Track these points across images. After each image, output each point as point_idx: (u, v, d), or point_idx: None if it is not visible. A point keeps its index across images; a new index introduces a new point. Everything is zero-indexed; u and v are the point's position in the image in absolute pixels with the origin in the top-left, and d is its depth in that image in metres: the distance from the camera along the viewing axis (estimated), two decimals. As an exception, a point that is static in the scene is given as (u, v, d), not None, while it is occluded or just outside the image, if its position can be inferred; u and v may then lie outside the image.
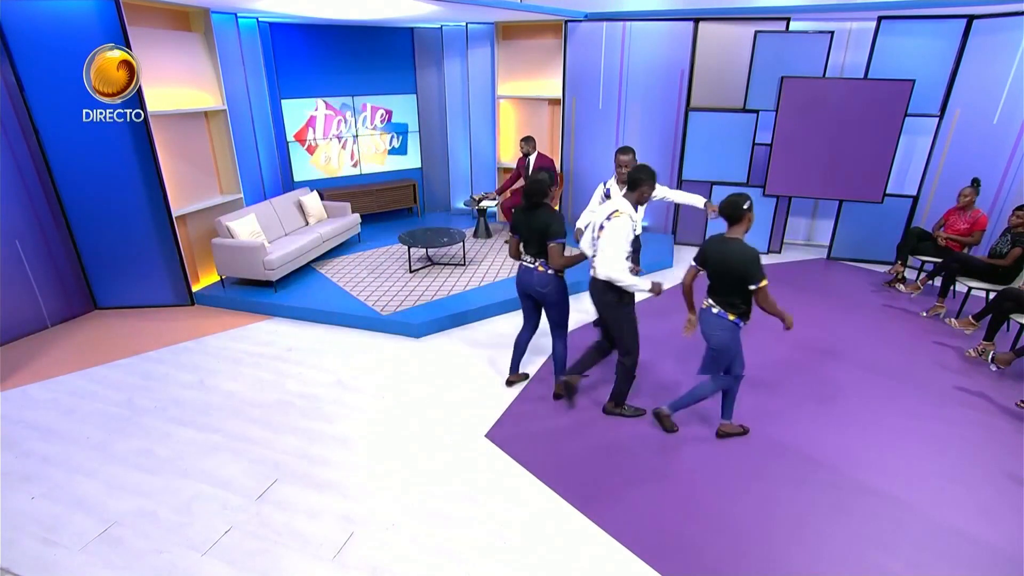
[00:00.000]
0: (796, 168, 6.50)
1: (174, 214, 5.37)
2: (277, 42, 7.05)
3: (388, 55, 7.88)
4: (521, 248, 3.68)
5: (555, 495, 3.07)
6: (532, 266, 3.62)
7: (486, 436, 3.58)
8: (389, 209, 8.30)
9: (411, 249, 6.41)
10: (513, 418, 3.78)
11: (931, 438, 3.59)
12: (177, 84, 5.42)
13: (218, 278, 5.88)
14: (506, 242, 7.06)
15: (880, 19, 6.00)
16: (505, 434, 3.60)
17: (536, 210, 3.49)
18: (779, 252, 7.22)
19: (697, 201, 4.36)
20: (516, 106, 7.81)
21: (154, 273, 5.57)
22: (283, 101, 7.25)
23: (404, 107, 8.19)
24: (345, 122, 7.82)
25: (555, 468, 3.29)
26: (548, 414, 3.82)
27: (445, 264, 6.38)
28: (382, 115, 8.05)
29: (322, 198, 7.36)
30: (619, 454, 3.41)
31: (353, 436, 3.58)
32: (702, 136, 6.87)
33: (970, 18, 5.84)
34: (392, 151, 8.31)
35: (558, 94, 7.25)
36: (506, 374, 4.30)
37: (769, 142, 6.60)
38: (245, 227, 5.73)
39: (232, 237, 5.59)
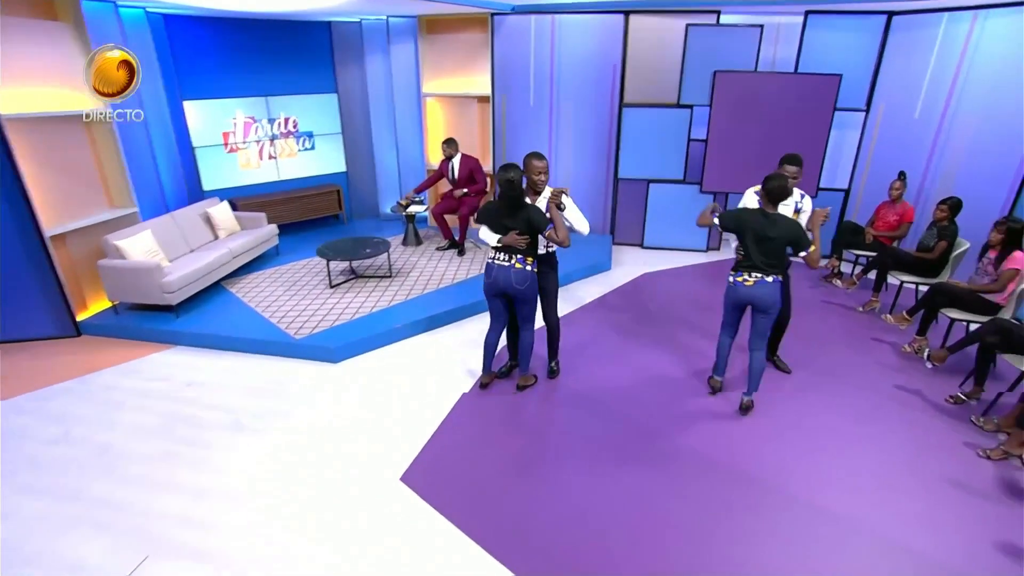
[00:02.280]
0: (732, 164, 6.38)
1: (48, 233, 4.66)
2: (175, 37, 6.34)
3: (304, 52, 7.28)
4: (492, 249, 3.66)
5: (482, 551, 2.69)
6: (508, 264, 3.56)
7: (402, 480, 3.16)
8: (312, 217, 7.70)
9: (331, 262, 5.89)
10: (436, 453, 3.39)
11: (869, 442, 3.46)
12: (41, 82, 4.70)
13: (110, 304, 5.19)
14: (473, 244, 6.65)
15: (807, 13, 5.94)
16: (425, 476, 3.20)
17: (517, 208, 3.48)
18: (718, 249, 7.12)
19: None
20: (444, 104, 7.38)
21: (28, 302, 4.83)
22: (185, 103, 6.55)
23: (324, 107, 7.60)
24: (261, 126, 7.17)
25: (482, 517, 2.92)
26: (475, 443, 3.45)
27: (370, 277, 5.90)
28: (292, 122, 7.41)
29: (235, 208, 6.73)
30: (568, 508, 3.08)
31: (244, 490, 3.09)
32: (637, 133, 6.66)
33: (890, 14, 5.86)
34: (303, 150, 7.67)
35: (487, 91, 6.88)
36: (434, 396, 3.94)
37: (704, 138, 6.46)
38: (138, 245, 5.06)
39: (122, 257, 4.92)
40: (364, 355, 4.60)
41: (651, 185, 6.86)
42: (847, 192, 6.53)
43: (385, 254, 5.91)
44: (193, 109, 6.63)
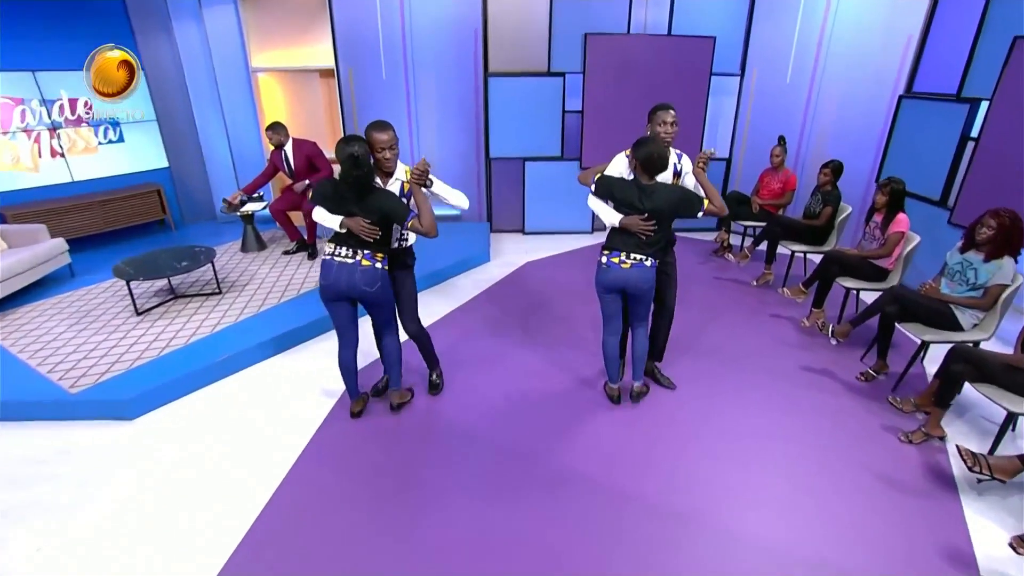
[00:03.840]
0: (611, 136, 5.84)
1: None
2: None
3: (86, 17, 5.69)
4: (328, 242, 2.86)
5: None
6: (353, 261, 2.82)
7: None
8: (128, 225, 6.19)
9: (133, 283, 4.60)
10: (273, 527, 2.44)
11: (783, 438, 3.03)
12: None
13: None
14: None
15: (675, -31, 5.54)
16: (260, 562, 2.26)
17: (365, 192, 2.76)
18: (604, 230, 6.60)
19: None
20: (281, 80, 6.21)
21: None
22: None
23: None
24: (32, 112, 5.54)
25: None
26: (330, 495, 2.55)
27: (194, 296, 4.67)
28: (87, 103, 5.85)
29: (3, 220, 5.14)
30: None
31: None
32: (506, 106, 5.95)
33: (755, -27, 5.62)
34: (109, 142, 6.12)
35: (331, 63, 5.81)
36: (278, 439, 3.03)
37: (580, 108, 5.90)
38: None
39: None
40: (175, 402, 3.47)
41: (527, 164, 6.20)
42: (728, 161, 6.31)
43: (209, 265, 4.70)
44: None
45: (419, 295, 3.32)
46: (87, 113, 5.87)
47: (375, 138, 2.81)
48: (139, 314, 4.35)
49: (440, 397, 3.45)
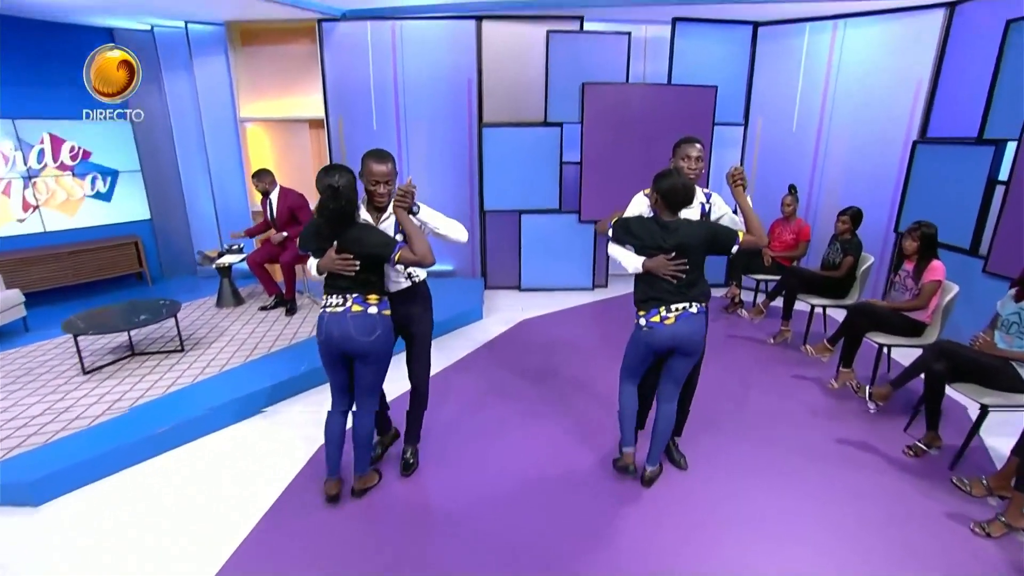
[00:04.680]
0: (611, 187, 5.59)
1: None
2: None
3: (76, 64, 5.57)
4: (313, 294, 2.60)
5: None
6: (343, 308, 2.45)
7: None
8: (103, 278, 5.85)
9: (88, 339, 4.18)
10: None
11: (829, 531, 2.46)
12: None
13: None
14: (267, 305, 5.12)
15: (675, 21, 5.43)
16: None
17: (344, 226, 2.40)
18: (605, 286, 6.24)
19: None
20: (269, 131, 6.03)
21: None
22: None
23: (113, 138, 5.91)
24: (5, 158, 5.31)
25: None
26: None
27: (154, 353, 4.23)
28: (73, 149, 5.67)
29: (-40, 272, 4.80)
30: None
31: None
32: (501, 157, 5.71)
33: (755, 24, 5.52)
34: (100, 199, 5.92)
35: (320, 113, 5.64)
36: (205, 550, 2.41)
37: (578, 160, 5.66)
38: None
39: None
40: (99, 483, 2.94)
41: (523, 217, 5.89)
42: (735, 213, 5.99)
43: (172, 320, 4.27)
44: None
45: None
46: (73, 159, 5.67)
47: (372, 168, 2.47)
48: (86, 373, 3.88)
49: (415, 478, 2.92)
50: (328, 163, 5.62)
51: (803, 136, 5.50)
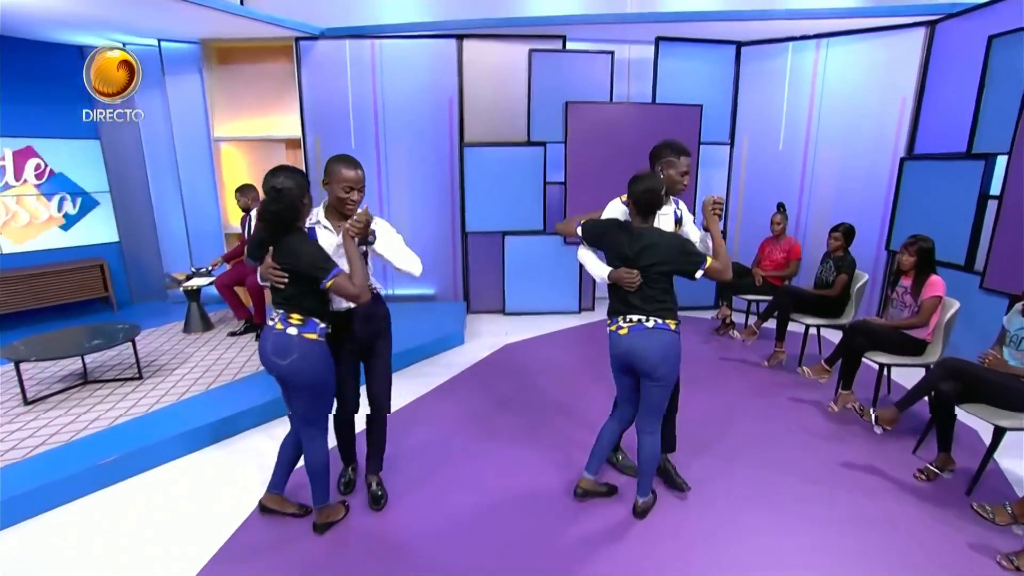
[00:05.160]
0: (596, 207, 5.43)
1: None
2: None
3: (45, 81, 5.41)
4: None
5: None
6: (272, 324, 2.26)
7: None
8: (65, 301, 5.54)
9: (33, 366, 3.88)
10: None
11: (839, 560, 2.22)
12: None
13: None
14: (234, 332, 4.84)
15: (658, 40, 5.39)
16: None
17: (290, 237, 2.18)
18: (592, 310, 6.04)
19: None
20: (244, 151, 5.85)
21: None
22: None
23: (81, 157, 5.69)
24: (-37, 178, 5.07)
25: None
26: None
27: (109, 381, 3.93)
28: (38, 167, 5.44)
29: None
30: None
31: None
32: (483, 177, 5.57)
33: (738, 44, 5.51)
34: (67, 221, 5.66)
35: (297, 133, 5.48)
36: None
37: (563, 180, 5.53)
38: None
39: None
40: (32, 521, 2.62)
41: (507, 238, 5.72)
42: (723, 234, 5.86)
43: (129, 345, 3.98)
44: None
45: None
46: (38, 179, 5.42)
47: (343, 174, 2.28)
48: (27, 403, 3.56)
49: (386, 513, 2.64)
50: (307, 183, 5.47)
51: (790, 154, 5.43)
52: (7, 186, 5.27)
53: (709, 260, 2.29)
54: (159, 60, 5.48)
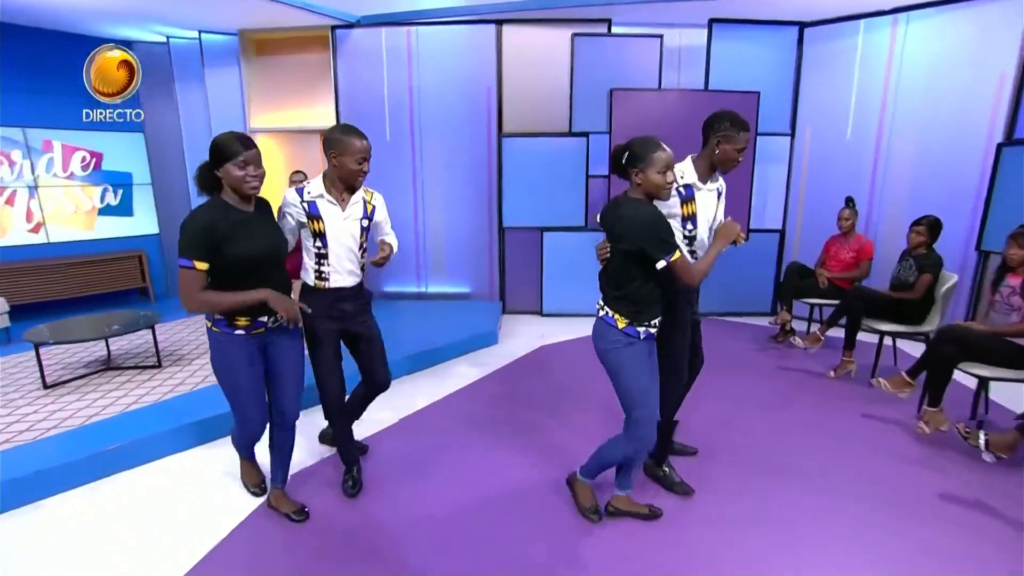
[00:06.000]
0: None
1: None
2: None
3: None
4: None
5: None
6: None
7: None
8: (105, 291, 5.60)
9: (55, 352, 3.84)
10: None
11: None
12: None
13: None
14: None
15: (711, 22, 4.99)
16: None
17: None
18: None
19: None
20: (280, 142, 5.78)
21: None
22: None
23: (126, 149, 5.77)
24: (12, 165, 5.17)
25: None
26: None
27: (129, 368, 3.83)
28: (84, 159, 5.52)
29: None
30: None
31: None
32: (522, 169, 5.28)
33: (801, 25, 5.03)
34: (105, 211, 5.73)
35: (332, 123, 5.34)
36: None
37: (606, 173, 5.17)
38: None
39: None
40: (36, 504, 2.48)
41: (546, 235, 5.40)
42: (782, 233, 5.36)
43: (148, 331, 3.87)
44: None
45: (406, 377, 3.05)
46: (83, 170, 5.51)
47: (356, 145, 2.21)
48: (46, 387, 3.48)
49: (390, 510, 2.36)
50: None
51: (859, 144, 4.89)
52: (55, 176, 5.37)
53: (676, 254, 1.94)
54: (199, 52, 5.48)
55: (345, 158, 2.19)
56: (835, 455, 2.84)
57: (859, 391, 3.62)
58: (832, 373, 3.87)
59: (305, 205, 2.22)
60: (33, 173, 5.25)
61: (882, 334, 3.76)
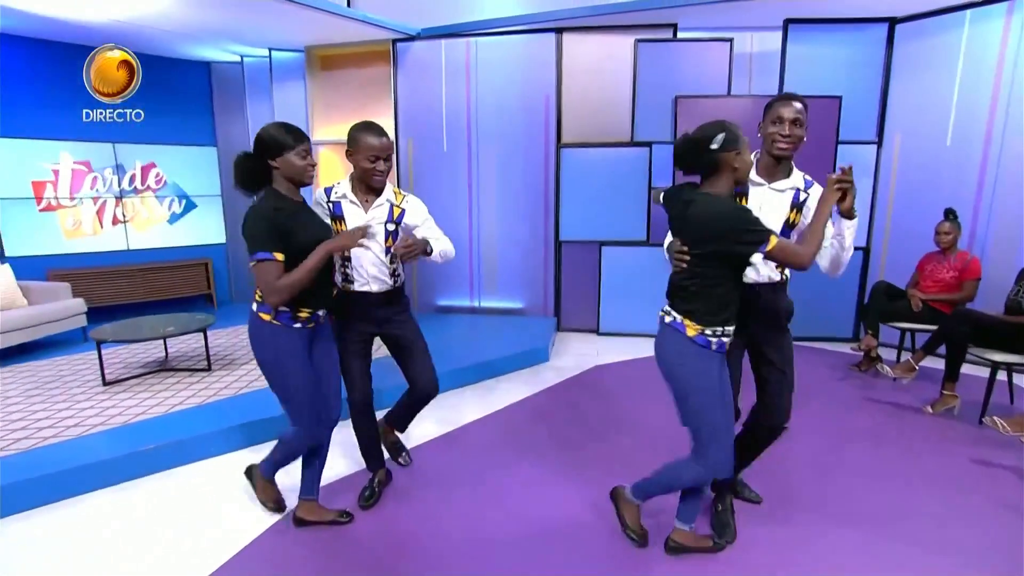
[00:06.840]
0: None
1: None
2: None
3: (177, 95, 5.89)
4: None
5: None
6: None
7: None
8: (174, 296, 5.85)
9: (118, 351, 3.98)
10: None
11: None
12: None
13: None
14: None
15: (786, 23, 4.65)
16: None
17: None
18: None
19: None
20: (340, 153, 5.85)
21: None
22: (-6, 141, 4.96)
23: (199, 163, 6.09)
24: (104, 180, 5.54)
25: None
26: None
27: (182, 370, 3.89)
28: (157, 176, 5.85)
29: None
30: None
31: None
32: (581, 181, 5.08)
33: (891, 22, 4.59)
34: (175, 219, 6.02)
35: (391, 135, 5.38)
36: None
37: (670, 185, 4.87)
38: None
39: None
40: (62, 503, 2.48)
41: (604, 249, 5.14)
42: (867, 250, 4.85)
43: (199, 335, 3.94)
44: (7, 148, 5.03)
45: (453, 391, 2.97)
46: (157, 184, 5.86)
47: (368, 143, 2.12)
48: (105, 384, 3.58)
49: (427, 526, 2.17)
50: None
51: (962, 151, 4.35)
52: (135, 191, 5.72)
53: (774, 240, 1.66)
54: (268, 69, 5.69)
55: (359, 156, 2.14)
56: (944, 508, 2.40)
57: (967, 431, 3.11)
58: (930, 408, 3.36)
59: (330, 205, 2.19)
60: (119, 186, 5.60)
61: (995, 365, 3.22)
